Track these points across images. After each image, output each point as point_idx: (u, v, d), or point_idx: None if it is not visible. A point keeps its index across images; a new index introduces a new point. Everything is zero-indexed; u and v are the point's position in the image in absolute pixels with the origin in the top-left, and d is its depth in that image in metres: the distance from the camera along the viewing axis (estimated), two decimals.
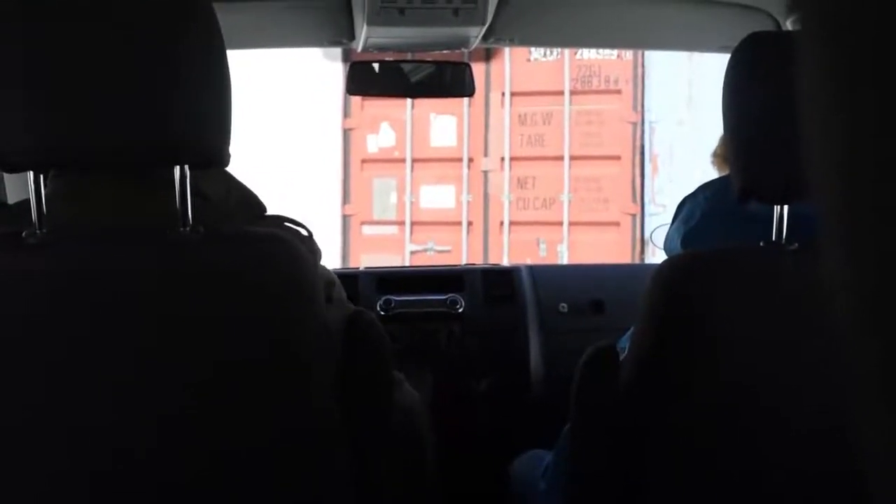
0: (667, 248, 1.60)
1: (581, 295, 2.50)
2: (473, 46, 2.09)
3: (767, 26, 1.89)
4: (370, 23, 1.85)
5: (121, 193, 1.20)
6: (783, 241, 1.28)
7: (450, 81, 2.21)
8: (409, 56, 2.21)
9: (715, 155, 1.73)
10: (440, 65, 2.19)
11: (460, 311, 2.42)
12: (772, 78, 1.22)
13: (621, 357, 1.43)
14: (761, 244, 1.30)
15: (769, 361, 1.27)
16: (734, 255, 1.33)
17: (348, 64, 2.34)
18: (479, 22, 1.87)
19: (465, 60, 2.31)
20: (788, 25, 1.87)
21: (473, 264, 3.17)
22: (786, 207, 1.27)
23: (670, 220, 1.65)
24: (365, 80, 2.21)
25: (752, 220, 1.36)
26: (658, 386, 1.34)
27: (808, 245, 1.26)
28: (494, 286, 2.50)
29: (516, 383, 2.43)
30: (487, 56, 6.48)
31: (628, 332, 1.49)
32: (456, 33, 1.96)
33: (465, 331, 2.41)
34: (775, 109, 1.20)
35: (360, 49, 2.10)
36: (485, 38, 2.03)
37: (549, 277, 2.60)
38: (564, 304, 2.48)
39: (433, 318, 2.42)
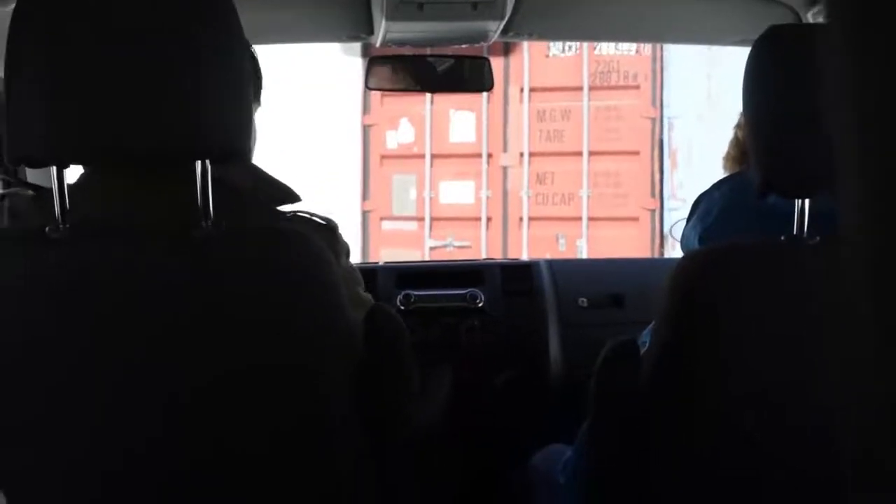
0: (684, 247, 1.59)
1: (600, 289, 2.49)
2: (492, 41, 2.08)
3: (788, 19, 1.88)
4: (389, 18, 1.85)
5: (144, 188, 1.20)
6: (804, 235, 1.28)
7: (468, 76, 2.21)
8: (427, 51, 2.21)
9: (725, 158, 1.72)
10: (459, 59, 2.19)
11: (480, 305, 2.42)
12: (793, 71, 1.21)
13: (642, 352, 1.43)
14: (782, 238, 1.30)
15: (790, 356, 1.27)
16: (755, 250, 1.33)
17: (367, 59, 2.34)
18: (497, 16, 1.87)
19: (484, 55, 2.30)
20: (809, 18, 1.85)
21: (493, 259, 3.16)
22: (807, 201, 1.27)
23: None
24: (383, 75, 2.21)
25: (771, 215, 1.36)
26: (678, 381, 1.34)
27: (830, 239, 1.25)
28: (513, 280, 2.50)
29: (536, 377, 2.42)
30: (506, 51, 6.48)
31: (649, 327, 1.49)
32: (474, 28, 1.96)
33: (485, 325, 2.41)
34: (796, 103, 1.20)
35: (378, 44, 2.10)
36: (503, 32, 2.03)
37: (568, 272, 2.59)
38: (584, 299, 2.48)
39: (452, 313, 2.41)
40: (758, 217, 1.41)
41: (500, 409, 2.46)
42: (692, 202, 1.62)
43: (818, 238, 1.27)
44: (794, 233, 1.28)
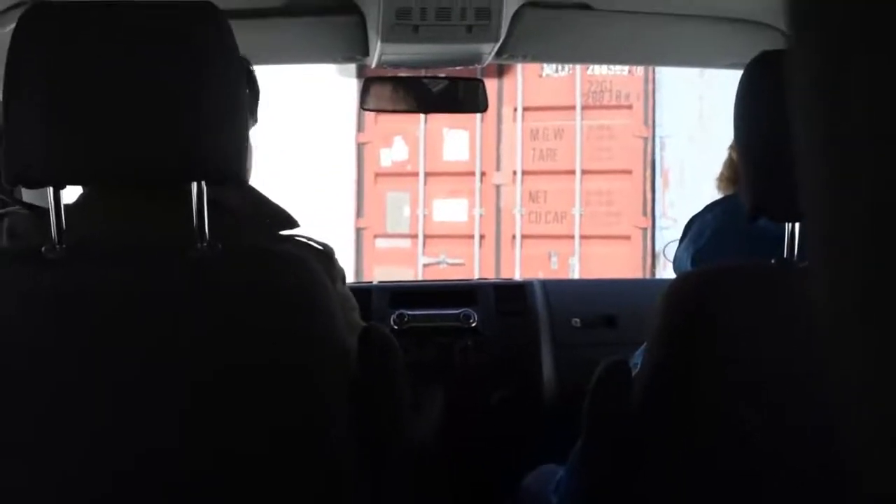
0: (676, 268, 1.60)
1: (594, 309, 2.50)
2: (486, 63, 2.10)
3: (778, 43, 1.90)
4: (384, 39, 1.87)
5: (142, 209, 1.21)
6: (794, 258, 1.29)
7: (463, 97, 2.22)
8: (422, 72, 2.22)
9: (719, 179, 1.73)
10: (453, 81, 2.20)
11: (473, 325, 2.42)
12: (783, 96, 1.22)
13: (633, 373, 1.43)
14: (772, 261, 1.31)
15: (780, 378, 1.28)
16: (745, 273, 1.34)
17: (362, 79, 2.36)
18: (492, 39, 1.88)
19: (478, 76, 2.32)
20: None
21: (486, 279, 3.17)
22: (797, 225, 1.28)
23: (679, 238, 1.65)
24: (378, 96, 2.22)
25: (763, 238, 1.37)
26: (671, 402, 1.34)
27: None
28: (507, 300, 2.50)
29: (529, 398, 2.42)
30: (500, 71, 6.50)
31: (641, 348, 1.50)
32: (469, 50, 1.97)
33: (478, 345, 2.41)
34: (787, 127, 1.21)
35: (373, 65, 2.11)
36: (498, 54, 2.04)
37: (561, 292, 2.60)
38: (577, 319, 2.48)
39: (446, 333, 2.41)
40: (750, 239, 1.42)
41: (492, 429, 2.46)
42: (684, 222, 1.63)
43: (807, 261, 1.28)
44: (785, 256, 1.29)
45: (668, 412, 1.35)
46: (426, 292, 2.59)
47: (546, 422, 2.41)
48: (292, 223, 1.31)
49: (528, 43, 2.03)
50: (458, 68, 2.18)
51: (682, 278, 1.37)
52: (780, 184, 1.25)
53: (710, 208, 1.57)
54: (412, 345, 2.33)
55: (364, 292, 2.46)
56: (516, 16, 1.86)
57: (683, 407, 1.32)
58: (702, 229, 1.53)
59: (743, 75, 1.30)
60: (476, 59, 2.06)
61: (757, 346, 1.28)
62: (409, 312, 2.42)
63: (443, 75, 2.20)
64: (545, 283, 2.59)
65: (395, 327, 2.38)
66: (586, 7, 1.92)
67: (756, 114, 1.29)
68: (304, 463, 1.17)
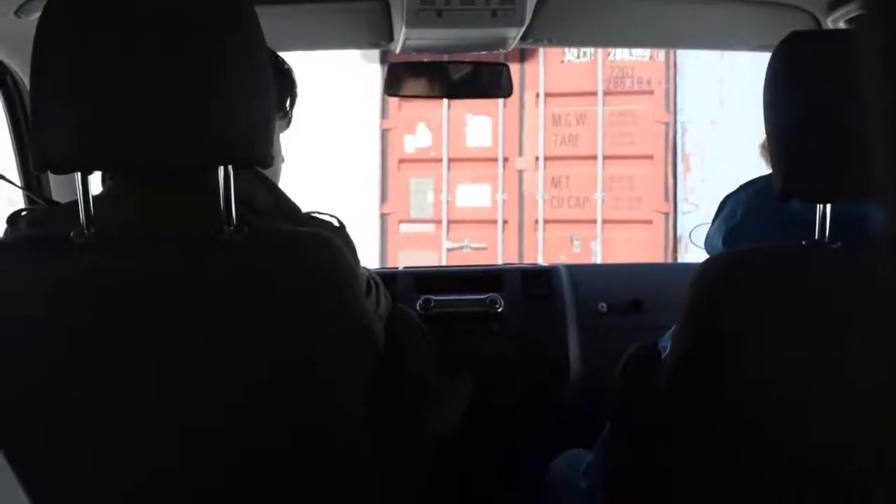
0: (708, 247, 1.59)
1: (620, 294, 2.48)
2: (511, 47, 2.09)
3: (807, 25, 1.88)
4: (408, 24, 1.86)
5: (167, 197, 1.22)
6: (826, 239, 1.28)
7: (487, 82, 2.21)
8: (445, 57, 2.21)
9: (763, 147, 1.72)
10: (477, 66, 2.19)
11: (499, 310, 2.41)
12: (814, 77, 1.22)
13: (663, 356, 1.43)
14: (803, 243, 1.30)
15: (809, 360, 1.27)
16: (775, 255, 1.33)
17: (386, 65, 2.35)
18: (517, 23, 1.87)
19: (502, 61, 2.31)
20: (829, 24, 1.85)
21: (512, 263, 3.16)
22: (828, 206, 1.27)
23: (706, 219, 1.64)
24: (403, 82, 2.21)
25: (794, 219, 1.36)
26: (700, 385, 1.34)
27: (851, 244, 1.26)
28: (533, 285, 2.49)
29: (556, 382, 2.42)
30: (522, 57, 6.50)
31: (670, 331, 1.49)
32: (494, 34, 1.96)
33: (504, 330, 2.41)
34: (817, 108, 1.20)
35: (398, 51, 2.11)
36: (522, 38, 2.03)
37: (587, 277, 2.58)
38: (603, 304, 2.47)
39: (472, 318, 2.41)
40: (782, 220, 1.41)
41: (519, 414, 2.46)
42: (705, 206, 1.63)
43: (839, 243, 1.27)
44: (816, 237, 1.28)
45: (694, 398, 1.34)
46: (452, 277, 2.59)
47: (572, 406, 2.40)
48: (304, 220, 1.31)
49: (552, 27, 2.02)
50: (482, 53, 2.17)
51: (711, 261, 1.37)
52: (810, 165, 1.24)
53: (744, 188, 1.56)
54: (438, 330, 2.33)
55: (389, 277, 2.46)
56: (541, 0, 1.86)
57: (709, 393, 1.32)
58: (734, 208, 1.52)
59: (772, 57, 1.29)
60: (500, 43, 2.05)
61: (787, 327, 1.27)
62: (435, 298, 2.41)
63: (467, 60, 2.19)
64: (571, 268, 2.58)
65: (422, 313, 2.38)
66: None
67: (785, 95, 1.28)
68: (324, 442, 1.18)
